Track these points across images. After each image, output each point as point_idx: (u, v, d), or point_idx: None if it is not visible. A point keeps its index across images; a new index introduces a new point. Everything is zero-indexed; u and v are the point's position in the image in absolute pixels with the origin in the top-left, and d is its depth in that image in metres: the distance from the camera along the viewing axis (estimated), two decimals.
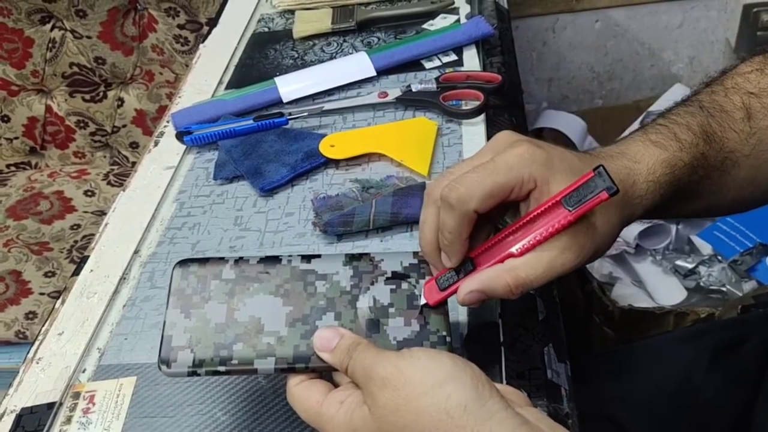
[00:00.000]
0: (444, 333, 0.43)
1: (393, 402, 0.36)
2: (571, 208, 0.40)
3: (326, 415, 0.38)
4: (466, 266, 0.44)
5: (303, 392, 0.40)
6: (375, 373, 0.37)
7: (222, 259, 0.45)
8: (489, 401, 0.35)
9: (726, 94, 0.52)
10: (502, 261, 0.42)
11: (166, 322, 0.42)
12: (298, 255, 0.45)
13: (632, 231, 1.10)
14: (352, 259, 0.45)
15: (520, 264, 0.42)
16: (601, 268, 1.11)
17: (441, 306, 0.44)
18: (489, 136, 0.68)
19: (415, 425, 0.35)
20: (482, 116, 0.69)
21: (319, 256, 0.45)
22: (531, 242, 0.41)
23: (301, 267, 0.45)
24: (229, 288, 0.43)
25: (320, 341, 0.41)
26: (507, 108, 0.71)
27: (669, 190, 0.47)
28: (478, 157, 0.45)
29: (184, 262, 0.44)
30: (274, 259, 0.45)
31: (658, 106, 1.32)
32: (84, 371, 0.53)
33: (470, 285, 0.43)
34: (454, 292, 0.44)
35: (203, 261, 0.44)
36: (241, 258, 0.45)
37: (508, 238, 0.43)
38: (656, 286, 1.07)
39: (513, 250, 0.42)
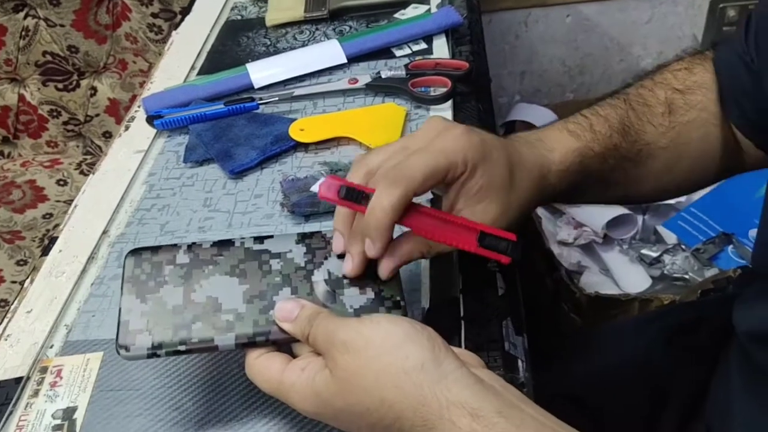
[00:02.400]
0: (398, 298, 0.44)
1: (354, 364, 0.37)
2: (479, 243, 0.44)
3: (287, 382, 0.39)
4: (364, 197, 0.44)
5: (263, 364, 0.41)
6: (336, 338, 0.38)
7: (174, 245, 0.45)
8: (445, 361, 0.36)
9: (653, 88, 0.56)
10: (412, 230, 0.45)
11: (121, 309, 0.42)
12: (251, 237, 0.46)
13: (600, 221, 1.12)
14: (304, 237, 0.47)
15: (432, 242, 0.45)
16: (569, 257, 1.13)
17: (395, 275, 0.45)
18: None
19: (375, 385, 0.36)
20: (449, 102, 0.71)
21: (271, 236, 0.47)
22: (435, 239, 0.45)
23: (254, 247, 0.46)
24: (184, 272, 0.44)
25: (281, 312, 0.42)
26: (474, 94, 0.73)
27: (579, 177, 0.51)
28: (410, 140, 0.47)
29: (136, 251, 0.45)
30: (227, 243, 0.46)
31: None
32: (52, 347, 0.53)
33: (391, 264, 0.45)
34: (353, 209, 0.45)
35: (155, 249, 0.45)
36: (193, 243, 0.46)
37: (423, 216, 0.45)
38: (622, 274, 1.09)
39: (422, 233, 0.45)
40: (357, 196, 0.44)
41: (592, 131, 0.52)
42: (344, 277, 0.45)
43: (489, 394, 0.36)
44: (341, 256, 0.46)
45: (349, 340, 0.38)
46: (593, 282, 1.09)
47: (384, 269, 0.45)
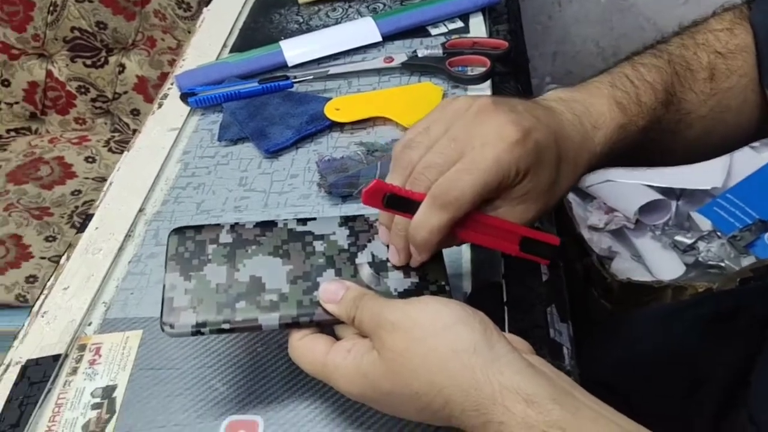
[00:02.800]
0: (443, 282, 0.43)
1: (402, 345, 0.36)
2: (520, 248, 0.44)
3: (332, 364, 0.39)
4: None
5: (307, 345, 0.41)
6: (384, 318, 0.37)
7: (217, 225, 0.45)
8: (497, 344, 0.36)
9: (695, 50, 0.53)
10: None
11: (165, 285, 0.42)
12: (294, 218, 0.46)
13: (632, 206, 1.10)
14: (347, 220, 0.46)
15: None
16: (600, 242, 1.11)
17: (438, 257, 0.45)
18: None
19: (424, 367, 0.35)
20: (488, 82, 0.69)
21: (314, 219, 0.46)
22: (476, 242, 0.44)
23: (297, 229, 0.45)
24: (227, 251, 0.44)
25: (326, 294, 0.41)
26: (513, 75, 0.71)
27: (618, 150, 0.49)
28: (457, 129, 0.43)
29: (179, 229, 0.45)
30: (270, 224, 0.45)
31: None
32: (90, 324, 0.53)
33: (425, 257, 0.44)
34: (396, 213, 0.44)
35: (198, 227, 0.45)
36: (236, 223, 0.45)
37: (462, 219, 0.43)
38: (655, 260, 1.07)
39: (463, 235, 0.44)
40: (401, 204, 0.42)
41: (638, 103, 0.48)
42: (388, 260, 0.44)
43: (542, 380, 0.35)
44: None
45: (398, 321, 0.37)
46: (625, 268, 1.07)
47: (415, 262, 0.44)
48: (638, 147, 0.51)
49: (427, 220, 0.42)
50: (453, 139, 0.42)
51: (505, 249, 0.44)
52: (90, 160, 1.23)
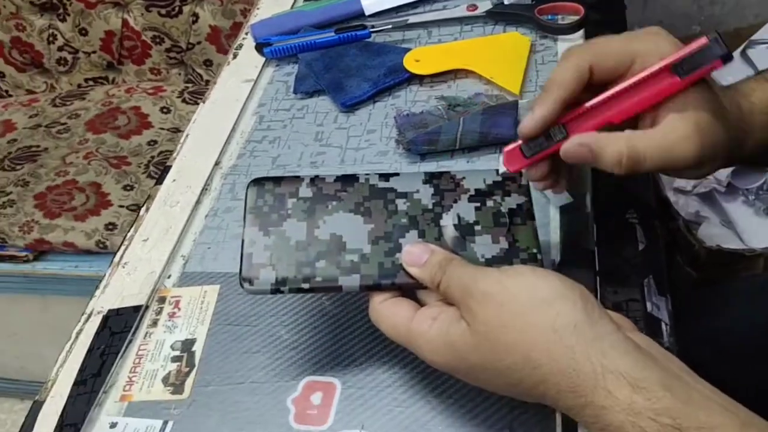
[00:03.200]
0: (534, 250, 0.41)
1: (496, 318, 0.34)
2: (682, 76, 0.38)
3: (417, 330, 0.37)
4: (558, 131, 0.40)
5: (390, 309, 0.39)
6: (475, 287, 0.35)
7: (297, 177, 0.43)
8: (599, 322, 0.33)
9: None
10: (598, 127, 0.40)
11: (244, 240, 0.41)
12: (376, 173, 0.44)
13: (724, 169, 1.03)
14: (432, 177, 0.44)
15: (639, 135, 0.39)
16: (687, 206, 1.05)
17: (530, 220, 0.42)
18: None
19: (521, 343, 0.33)
20: (581, 32, 0.64)
21: (397, 174, 0.44)
22: (634, 109, 0.39)
23: (379, 185, 0.43)
24: (306, 206, 0.42)
25: (409, 256, 0.39)
26: (609, 24, 0.66)
27: None
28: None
29: (258, 181, 0.43)
30: (351, 178, 0.43)
31: (762, 35, 1.21)
32: (169, 277, 0.53)
33: (583, 138, 0.39)
34: (545, 156, 0.41)
35: (278, 179, 0.43)
36: (317, 176, 0.43)
37: (604, 106, 0.40)
38: (747, 227, 1.00)
39: (612, 119, 0.39)
40: (542, 142, 0.40)
41: None
42: (476, 223, 0.42)
43: (651, 363, 0.32)
44: (473, 198, 0.42)
45: (492, 292, 0.35)
46: (713, 234, 1.01)
47: (569, 147, 0.40)
48: None
49: (556, 70, 0.40)
50: None
51: (667, 91, 0.38)
52: (165, 110, 1.24)
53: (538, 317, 0.33)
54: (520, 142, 0.41)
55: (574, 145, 0.39)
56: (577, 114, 0.40)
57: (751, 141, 0.44)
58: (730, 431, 0.30)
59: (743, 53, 1.20)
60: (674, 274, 0.98)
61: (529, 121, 0.40)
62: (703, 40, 0.38)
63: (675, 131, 0.38)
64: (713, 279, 0.96)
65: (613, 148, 0.38)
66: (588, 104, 0.40)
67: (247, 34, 0.76)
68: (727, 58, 0.37)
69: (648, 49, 0.39)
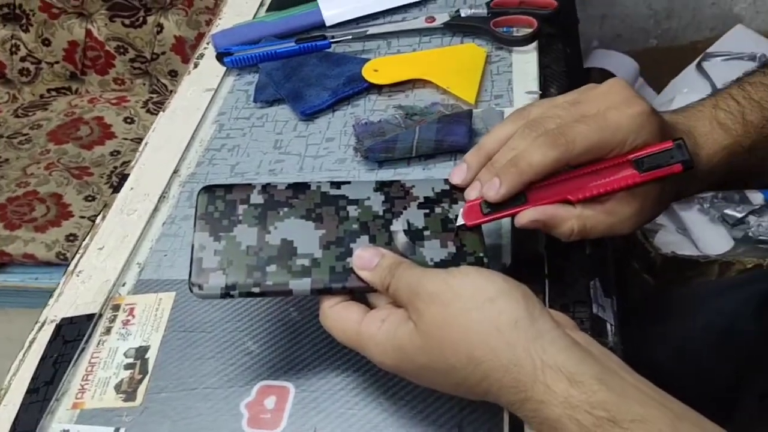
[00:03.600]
0: (481, 254, 0.42)
1: (441, 317, 0.35)
2: (641, 171, 0.41)
3: (366, 333, 0.38)
4: (518, 197, 0.42)
5: (339, 313, 0.39)
6: (422, 288, 0.36)
7: (248, 185, 0.44)
8: (540, 319, 0.34)
9: None
10: (555, 203, 0.42)
11: (194, 245, 0.41)
12: (327, 181, 0.44)
13: None
14: (383, 185, 0.45)
15: (590, 215, 0.42)
16: None
17: (476, 227, 0.43)
18: (541, 65, 0.64)
19: (464, 341, 0.34)
20: (534, 44, 0.66)
21: (348, 182, 0.45)
22: (591, 192, 0.42)
23: (331, 192, 0.44)
24: (258, 212, 0.42)
25: (360, 260, 0.40)
26: (561, 37, 0.68)
27: (724, 173, 0.47)
28: (586, 96, 0.44)
29: (209, 188, 0.43)
30: (303, 186, 0.44)
31: (717, 48, 1.25)
32: (124, 285, 0.53)
33: (536, 214, 0.42)
34: (501, 218, 0.43)
35: (229, 187, 0.44)
36: (268, 184, 0.44)
37: (565, 182, 0.42)
38: (702, 234, 1.03)
39: (570, 196, 0.42)
40: (501, 204, 0.42)
41: (743, 123, 0.47)
42: (425, 228, 0.43)
43: (588, 358, 0.33)
44: (423, 205, 0.44)
45: (437, 292, 0.35)
46: (669, 241, 1.03)
47: (523, 218, 0.42)
48: (749, 168, 0.49)
49: (529, 154, 0.41)
50: (577, 102, 0.43)
51: (624, 182, 0.41)
52: (129, 120, 1.23)
53: (481, 315, 0.34)
54: (481, 199, 0.43)
55: (529, 219, 0.42)
56: (538, 185, 0.42)
57: (693, 189, 0.48)
58: (663, 423, 0.31)
59: (699, 65, 1.24)
60: (631, 281, 1.00)
61: (494, 194, 0.42)
62: (668, 144, 0.41)
63: (619, 214, 0.42)
64: (669, 285, 0.98)
65: (566, 225, 0.42)
66: (547, 180, 0.42)
67: (208, 43, 0.77)
68: (687, 165, 0.41)
69: (624, 139, 0.41)
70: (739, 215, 1.02)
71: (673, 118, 0.47)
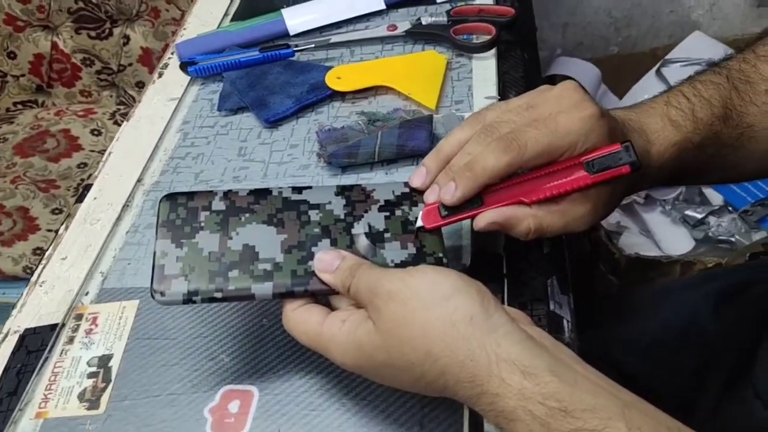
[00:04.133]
0: (440, 254, 0.42)
1: (399, 315, 0.35)
2: (591, 172, 0.42)
3: (327, 334, 0.38)
4: (474, 200, 0.43)
5: (302, 315, 0.40)
6: (381, 287, 0.37)
7: (210, 192, 0.44)
8: (495, 315, 0.35)
9: (755, 63, 0.52)
10: (510, 204, 0.43)
11: (156, 252, 0.41)
12: (289, 187, 0.45)
13: None
14: (343, 189, 0.45)
15: (544, 214, 0.43)
16: (609, 216, 1.10)
17: (436, 229, 0.44)
18: (500, 72, 0.66)
19: (421, 337, 0.35)
20: (493, 51, 0.67)
21: (309, 187, 0.45)
22: (545, 194, 0.43)
23: (292, 197, 0.44)
24: (220, 218, 0.43)
25: (321, 263, 0.41)
26: (519, 44, 0.69)
27: (675, 170, 0.49)
28: (539, 100, 0.45)
29: (171, 195, 0.44)
30: (264, 191, 0.45)
31: (675, 54, 1.28)
32: (87, 294, 0.53)
33: (493, 216, 0.43)
34: (458, 221, 0.44)
35: (191, 194, 0.44)
36: (230, 191, 0.44)
37: (519, 185, 0.44)
38: (664, 235, 1.06)
39: (524, 198, 0.43)
40: (460, 206, 0.43)
41: (693, 119, 0.48)
42: (386, 230, 0.43)
43: (541, 351, 0.34)
44: (383, 208, 0.44)
45: (395, 290, 0.36)
46: (633, 243, 1.06)
47: (481, 221, 0.43)
48: (699, 164, 0.50)
49: (484, 159, 0.42)
50: (531, 105, 0.44)
51: (576, 184, 0.43)
52: (96, 132, 1.22)
53: (437, 312, 0.35)
54: (440, 202, 0.44)
55: (486, 222, 0.43)
56: (494, 188, 0.44)
57: (644, 186, 0.49)
58: (612, 412, 0.32)
59: (658, 72, 1.27)
60: (596, 281, 1.02)
61: (450, 197, 0.43)
62: (616, 146, 0.43)
63: (573, 213, 0.44)
64: (633, 285, 1.00)
65: (523, 225, 0.43)
66: (502, 183, 0.43)
67: (173, 53, 0.77)
68: (634, 166, 0.42)
69: (575, 142, 0.43)
70: (699, 216, 1.04)
71: (626, 114, 0.48)
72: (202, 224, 0.42)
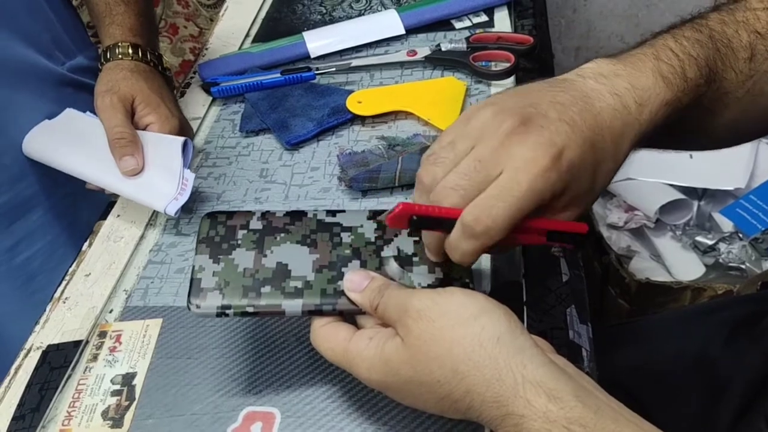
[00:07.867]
0: (467, 280, 0.43)
1: (428, 332, 0.36)
2: (547, 238, 0.42)
3: (354, 350, 0.39)
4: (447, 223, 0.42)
5: (329, 332, 0.41)
6: (411, 305, 0.37)
7: (249, 212, 0.46)
8: (521, 337, 0.35)
9: (736, 28, 0.49)
10: None
11: (194, 266, 0.43)
12: (323, 210, 0.46)
13: (653, 205, 1.09)
14: (375, 214, 0.47)
15: None
16: (619, 240, 1.10)
17: None
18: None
19: (448, 355, 0.35)
20: (512, 78, 0.68)
21: (343, 211, 0.47)
22: (511, 241, 0.42)
23: (326, 220, 0.46)
24: (256, 237, 0.44)
25: (350, 283, 0.41)
26: (538, 71, 0.70)
27: (661, 129, 0.45)
28: (483, 150, 0.40)
29: (212, 214, 0.46)
30: (300, 213, 0.46)
31: None
32: (111, 312, 0.54)
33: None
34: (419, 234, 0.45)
35: (230, 213, 0.46)
36: (267, 211, 0.46)
37: None
38: (674, 261, 1.06)
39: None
40: (429, 224, 0.41)
41: (684, 78, 0.45)
42: (414, 255, 0.44)
43: (565, 376, 0.34)
44: (411, 234, 0.45)
45: (424, 308, 0.37)
46: (643, 268, 1.06)
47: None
48: (678, 126, 0.47)
49: (459, 246, 0.40)
50: (479, 159, 0.40)
51: (532, 242, 0.43)
52: None
53: (465, 330, 0.36)
54: (412, 207, 0.41)
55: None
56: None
57: (638, 139, 0.45)
58: None
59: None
60: (607, 305, 1.02)
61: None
62: (582, 227, 0.43)
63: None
64: (643, 310, 1.00)
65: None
66: None
67: (195, 73, 0.78)
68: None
69: (539, 202, 0.40)
70: (709, 242, 1.05)
71: (614, 69, 0.44)
72: (239, 242, 0.44)
